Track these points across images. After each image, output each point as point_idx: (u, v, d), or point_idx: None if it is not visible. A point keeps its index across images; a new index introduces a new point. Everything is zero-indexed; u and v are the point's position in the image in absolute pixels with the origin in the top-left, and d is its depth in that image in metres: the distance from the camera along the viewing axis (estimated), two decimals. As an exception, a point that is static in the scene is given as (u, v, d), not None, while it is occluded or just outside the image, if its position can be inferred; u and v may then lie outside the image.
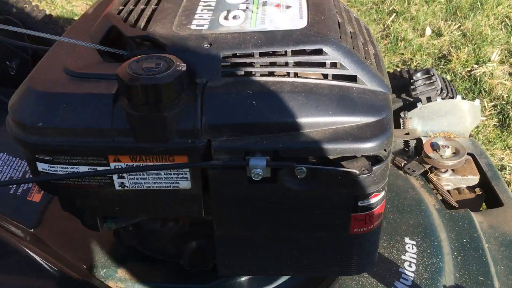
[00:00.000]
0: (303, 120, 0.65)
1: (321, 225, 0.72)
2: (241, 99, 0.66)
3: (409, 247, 0.97)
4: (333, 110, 0.66)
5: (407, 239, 0.99)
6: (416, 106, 1.28)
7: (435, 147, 1.18)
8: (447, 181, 1.18)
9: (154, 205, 0.73)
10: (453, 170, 1.18)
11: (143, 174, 0.70)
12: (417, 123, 1.27)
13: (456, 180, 1.18)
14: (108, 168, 0.68)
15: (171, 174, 0.70)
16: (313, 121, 0.66)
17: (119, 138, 0.66)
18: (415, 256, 0.96)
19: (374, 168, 0.66)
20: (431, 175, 1.18)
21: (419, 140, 1.23)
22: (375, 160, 0.70)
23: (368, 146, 0.64)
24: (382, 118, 0.67)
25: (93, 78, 0.68)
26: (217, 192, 0.69)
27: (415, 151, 1.24)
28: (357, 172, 0.65)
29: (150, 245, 0.91)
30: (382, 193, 0.70)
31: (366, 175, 0.65)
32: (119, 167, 0.69)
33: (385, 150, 0.67)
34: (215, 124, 0.65)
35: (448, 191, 1.17)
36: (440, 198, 1.14)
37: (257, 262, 0.76)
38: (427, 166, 1.18)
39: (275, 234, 0.73)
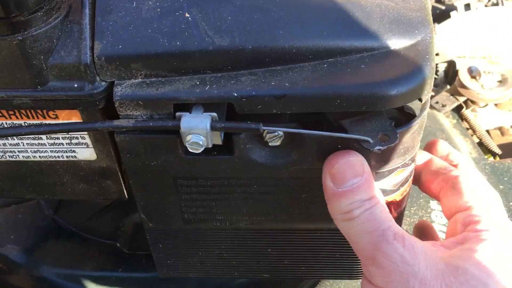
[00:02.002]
0: (276, 46, 0.36)
1: (310, 216, 0.45)
2: (166, 8, 0.37)
3: (436, 216, 0.71)
4: (329, 27, 0.37)
5: (433, 204, 0.73)
6: (450, 17, 0.96)
7: (473, 73, 0.88)
8: (488, 119, 0.89)
9: (45, 184, 0.46)
10: (496, 104, 0.89)
11: (13, 139, 0.42)
12: (450, 39, 0.96)
13: (500, 118, 0.89)
14: None
15: (58, 139, 0.42)
16: (295, 48, 0.37)
17: (-47, 81, 0.38)
18: (444, 228, 0.70)
19: (399, 131, 0.37)
20: (467, 111, 0.89)
21: (451, 64, 0.92)
22: (400, 115, 0.41)
23: (392, 93, 0.36)
24: (417, 41, 0.37)
25: None
26: (134, 169, 0.42)
27: (445, 79, 0.94)
28: (371, 141, 0.37)
29: (74, 219, 0.66)
30: (410, 167, 0.42)
31: (384, 147, 0.37)
32: (-32, 128, 0.41)
33: (420, 99, 0.39)
34: (117, 55, 0.36)
35: (488, 132, 0.89)
36: (478, 141, 0.87)
37: (213, 263, 0.51)
38: (462, 99, 0.89)
39: (237, 227, 0.47)
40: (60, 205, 0.67)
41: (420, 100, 0.38)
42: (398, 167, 0.40)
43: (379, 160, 0.39)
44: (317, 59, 0.37)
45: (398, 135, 0.37)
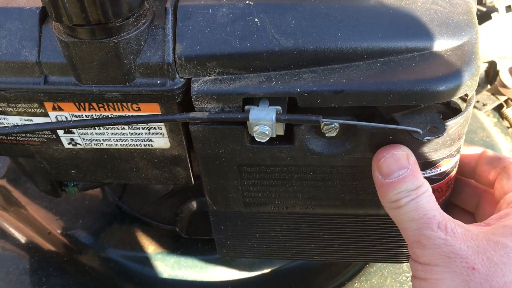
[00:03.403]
0: (335, 47, 0.41)
1: (360, 202, 0.49)
2: (238, 14, 0.42)
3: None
4: (382, 30, 0.41)
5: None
6: (491, 18, 0.98)
7: (514, 73, 0.90)
8: (528, 118, 0.91)
9: (122, 170, 0.52)
10: (537, 103, 0.91)
11: (99, 128, 0.48)
12: (491, 40, 0.98)
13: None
14: (43, 121, 0.47)
15: (139, 128, 0.48)
16: (351, 48, 0.41)
17: (53, 78, 0.44)
18: (484, 222, 0.72)
19: (447, 124, 0.41)
20: (507, 110, 0.91)
21: (493, 64, 0.94)
22: (447, 110, 0.45)
23: (440, 88, 0.40)
24: (463, 42, 0.41)
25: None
26: (204, 156, 0.47)
27: (486, 78, 0.96)
28: (421, 132, 0.41)
29: (137, 205, 0.72)
30: (455, 158, 0.46)
31: (433, 137, 0.41)
32: (63, 118, 0.47)
33: (466, 95, 0.42)
34: (195, 55, 0.42)
35: (529, 130, 0.91)
36: (518, 140, 0.89)
37: (268, 244, 0.55)
38: (503, 99, 0.91)
39: (292, 211, 0.51)
40: (124, 192, 0.73)
41: (466, 95, 0.42)
42: (445, 157, 0.44)
43: (427, 151, 0.43)
44: (372, 58, 0.42)
45: (446, 127, 0.41)
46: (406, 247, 0.53)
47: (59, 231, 0.72)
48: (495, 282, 0.36)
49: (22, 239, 0.68)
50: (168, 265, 0.70)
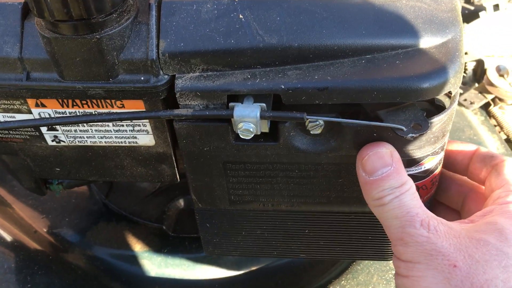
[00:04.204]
0: (319, 43, 0.41)
1: (346, 199, 0.49)
2: (222, 10, 0.42)
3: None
4: (367, 27, 0.41)
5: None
6: (479, 17, 0.98)
7: (501, 71, 0.91)
8: (515, 117, 0.91)
9: (107, 167, 0.52)
10: (524, 102, 0.92)
11: (83, 126, 0.48)
12: (479, 39, 0.99)
13: (527, 116, 0.91)
14: (26, 118, 0.47)
15: (123, 125, 0.47)
16: (336, 45, 0.41)
17: (36, 74, 0.43)
18: (470, 219, 0.73)
19: (431, 121, 0.41)
20: (494, 109, 0.91)
21: (480, 62, 0.95)
22: (431, 107, 0.45)
23: (424, 86, 0.40)
24: (447, 40, 0.41)
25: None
26: (189, 153, 0.47)
27: (474, 77, 0.97)
28: (404, 129, 0.41)
29: (124, 203, 0.71)
30: (439, 156, 0.46)
31: (417, 135, 0.41)
32: (46, 115, 0.46)
33: (449, 93, 0.43)
34: (179, 52, 0.41)
35: (515, 129, 0.91)
36: (505, 138, 0.89)
37: (255, 242, 0.55)
38: (490, 97, 0.92)
39: (278, 209, 0.51)
40: (111, 190, 0.73)
41: (450, 93, 0.42)
42: (429, 155, 0.44)
43: (411, 148, 0.43)
44: (356, 55, 0.41)
45: (430, 124, 0.41)
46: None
47: (45, 229, 0.71)
48: (476, 279, 0.36)
49: (7, 238, 0.67)
50: (155, 264, 0.69)
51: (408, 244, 0.39)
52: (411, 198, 0.41)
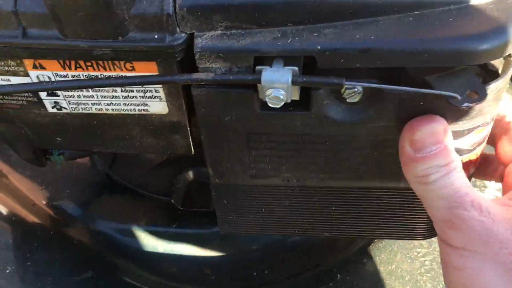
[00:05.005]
0: (360, -2, 0.35)
1: (379, 175, 0.45)
2: (249, -44, 0.36)
3: (489, 193, 0.70)
4: (418, -22, 0.35)
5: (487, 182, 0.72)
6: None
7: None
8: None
9: (114, 137, 0.47)
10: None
11: (88, 91, 0.42)
12: None
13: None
14: (23, 81, 0.41)
15: (133, 91, 0.42)
16: (380, 1, 0.35)
17: (33, 31, 0.38)
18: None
19: (488, 88, 0.36)
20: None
21: None
22: (484, 72, 0.40)
23: (483, 47, 0.34)
24: (506, -5, 0.36)
25: None
26: (208, 124, 0.42)
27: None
28: (459, 98, 0.36)
29: (129, 175, 0.66)
30: (488, 127, 0.41)
31: (474, 104, 0.36)
32: (45, 78, 0.41)
33: (509, 55, 0.37)
34: (199, 6, 0.36)
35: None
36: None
37: (275, 220, 0.51)
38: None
39: (303, 184, 0.47)
40: (115, 161, 0.68)
41: (510, 56, 0.37)
42: (479, 126, 0.39)
43: (462, 118, 0.38)
44: (402, 12, 0.36)
45: (487, 92, 0.36)
46: (423, 223, 0.50)
47: (44, 202, 0.66)
48: None
49: (4, 211, 0.62)
50: (162, 239, 0.65)
51: (460, 229, 0.35)
52: (458, 176, 0.37)
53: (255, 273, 0.63)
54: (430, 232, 0.50)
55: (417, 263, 0.60)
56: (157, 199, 0.66)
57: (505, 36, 0.35)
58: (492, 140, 0.45)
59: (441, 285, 0.57)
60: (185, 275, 0.64)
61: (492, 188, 0.70)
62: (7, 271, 0.56)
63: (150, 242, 0.65)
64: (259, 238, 0.64)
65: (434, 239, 0.63)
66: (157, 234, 0.65)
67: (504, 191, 0.42)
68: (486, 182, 0.70)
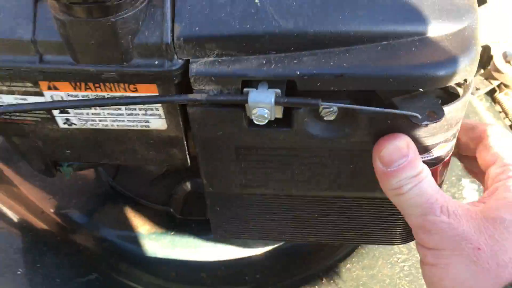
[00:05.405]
0: (336, 30, 0.41)
1: (356, 185, 0.50)
2: (238, -6, 0.41)
3: (468, 193, 0.75)
4: (383, 13, 0.41)
5: (465, 182, 0.77)
6: (486, 2, 0.98)
7: (508, 57, 0.91)
8: (520, 103, 0.92)
9: (118, 150, 0.52)
10: (529, 88, 0.92)
11: (96, 109, 0.48)
12: (485, 25, 0.98)
13: (533, 102, 0.91)
14: (38, 100, 0.46)
15: (135, 109, 0.47)
16: (352, 32, 0.41)
17: (49, 57, 0.43)
18: (475, 205, 0.74)
19: (446, 109, 0.41)
20: (500, 95, 0.92)
21: (486, 48, 0.95)
22: (445, 95, 0.45)
23: (440, 74, 0.40)
24: (463, 27, 0.41)
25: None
26: (201, 138, 0.47)
27: (480, 63, 0.97)
28: (419, 117, 0.41)
29: (131, 186, 0.71)
30: (451, 143, 0.46)
31: (432, 122, 0.41)
32: (58, 98, 0.46)
33: (465, 80, 0.42)
34: (194, 36, 0.41)
35: (520, 115, 0.92)
36: (510, 124, 0.89)
37: (264, 226, 0.56)
38: (496, 83, 0.92)
39: (289, 194, 0.52)
40: (118, 173, 0.73)
41: (465, 81, 0.42)
42: (441, 142, 0.44)
43: (424, 135, 0.43)
44: (372, 42, 0.41)
45: (444, 112, 0.41)
46: (400, 229, 0.54)
47: (52, 210, 0.72)
48: (500, 259, 0.37)
49: (15, 218, 0.67)
50: (162, 245, 0.70)
51: (431, 232, 0.40)
52: (428, 184, 0.41)
53: (247, 277, 0.68)
54: (407, 237, 0.55)
55: (397, 268, 0.65)
56: (157, 208, 0.71)
57: (459, 64, 0.40)
58: (467, 149, 0.49)
59: (419, 288, 0.62)
60: (183, 278, 0.68)
61: (470, 189, 0.75)
62: (18, 273, 0.61)
63: (150, 248, 0.70)
64: (251, 245, 0.69)
65: (413, 246, 0.67)
66: (156, 240, 0.70)
67: (484, 193, 0.46)
68: (463, 182, 0.75)
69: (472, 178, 0.77)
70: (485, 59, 0.95)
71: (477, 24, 0.42)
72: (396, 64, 0.40)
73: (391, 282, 0.64)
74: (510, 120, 0.90)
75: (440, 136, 0.44)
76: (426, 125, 0.40)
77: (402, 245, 0.68)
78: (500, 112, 0.91)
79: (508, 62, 0.90)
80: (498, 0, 0.97)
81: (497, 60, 0.91)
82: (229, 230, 0.57)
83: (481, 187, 0.76)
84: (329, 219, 0.54)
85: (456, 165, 0.78)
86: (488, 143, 0.45)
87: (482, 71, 0.95)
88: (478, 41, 0.42)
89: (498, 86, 0.92)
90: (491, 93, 0.92)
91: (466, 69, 0.40)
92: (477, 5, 0.43)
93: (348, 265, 0.66)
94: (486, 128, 0.46)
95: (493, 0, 0.97)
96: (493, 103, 0.91)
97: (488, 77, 0.93)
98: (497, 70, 0.90)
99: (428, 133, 0.43)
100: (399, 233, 0.55)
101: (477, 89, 0.91)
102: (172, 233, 0.70)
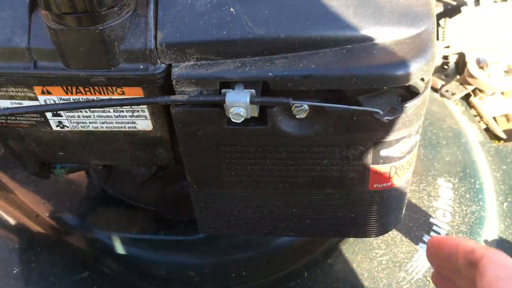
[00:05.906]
0: (304, 35, 0.45)
1: (329, 180, 0.53)
2: (215, 4, 0.46)
3: (443, 191, 0.79)
4: (348, 20, 0.45)
5: (441, 181, 0.80)
6: (461, 12, 1.03)
7: (481, 63, 0.95)
8: (494, 107, 0.96)
9: (108, 151, 0.55)
10: (502, 93, 0.96)
11: (86, 111, 0.51)
12: (460, 33, 1.03)
13: (506, 105, 0.96)
14: (33, 103, 0.50)
15: (123, 111, 0.51)
16: (319, 37, 0.45)
17: (43, 63, 0.47)
18: (450, 202, 0.77)
19: (405, 105, 0.45)
20: (474, 99, 0.96)
21: (461, 55, 1.00)
22: (407, 93, 0.49)
23: (399, 73, 0.44)
24: (421, 31, 0.45)
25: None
26: (184, 137, 0.50)
27: (455, 69, 1.02)
28: (381, 113, 0.45)
29: (122, 189, 0.75)
30: (415, 138, 0.50)
31: (392, 117, 0.45)
32: (51, 101, 0.50)
33: (422, 79, 0.47)
34: (175, 42, 0.45)
35: (495, 118, 0.96)
36: (484, 127, 0.94)
37: (247, 222, 0.59)
38: (470, 88, 0.96)
39: (267, 189, 0.55)
40: (109, 176, 0.76)
41: (423, 80, 0.46)
42: (405, 137, 0.48)
43: (388, 130, 0.47)
44: (337, 46, 0.45)
45: (404, 108, 0.45)
46: (374, 222, 0.58)
47: (46, 214, 0.75)
48: None
49: (11, 221, 0.71)
50: (152, 245, 0.73)
51: None
52: None
53: (233, 274, 0.71)
54: (380, 230, 0.59)
55: (375, 262, 0.68)
56: (147, 210, 0.74)
57: (417, 64, 0.44)
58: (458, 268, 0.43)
59: (395, 280, 0.65)
60: (172, 277, 0.72)
61: (446, 187, 0.78)
62: (14, 271, 0.64)
63: (141, 248, 0.73)
64: (237, 243, 0.72)
65: (391, 242, 0.71)
66: (146, 240, 0.74)
67: None
68: (439, 181, 0.79)
69: (447, 177, 0.81)
70: (461, 65, 1.00)
71: (434, 29, 0.46)
72: (359, 65, 0.44)
73: (370, 275, 0.67)
74: (484, 123, 0.95)
75: (403, 131, 0.48)
76: (387, 120, 0.44)
77: (380, 241, 0.72)
78: (475, 115, 0.95)
79: (482, 68, 0.95)
80: (472, 9, 1.02)
81: (471, 66, 0.95)
82: (213, 225, 0.60)
83: (457, 184, 0.80)
84: (306, 213, 0.57)
85: (431, 164, 0.82)
86: (485, 272, 0.39)
87: (458, 77, 0.99)
88: (435, 44, 0.46)
89: (473, 91, 0.97)
90: (466, 98, 0.97)
91: (423, 69, 0.44)
92: (434, 10, 0.48)
93: (329, 260, 0.69)
94: (483, 254, 0.40)
95: (467, 10, 1.02)
96: (468, 107, 0.95)
97: (463, 82, 0.97)
98: (471, 76, 0.95)
99: (391, 129, 0.47)
100: (373, 226, 0.58)
101: (453, 94, 0.96)
102: (161, 233, 0.73)
